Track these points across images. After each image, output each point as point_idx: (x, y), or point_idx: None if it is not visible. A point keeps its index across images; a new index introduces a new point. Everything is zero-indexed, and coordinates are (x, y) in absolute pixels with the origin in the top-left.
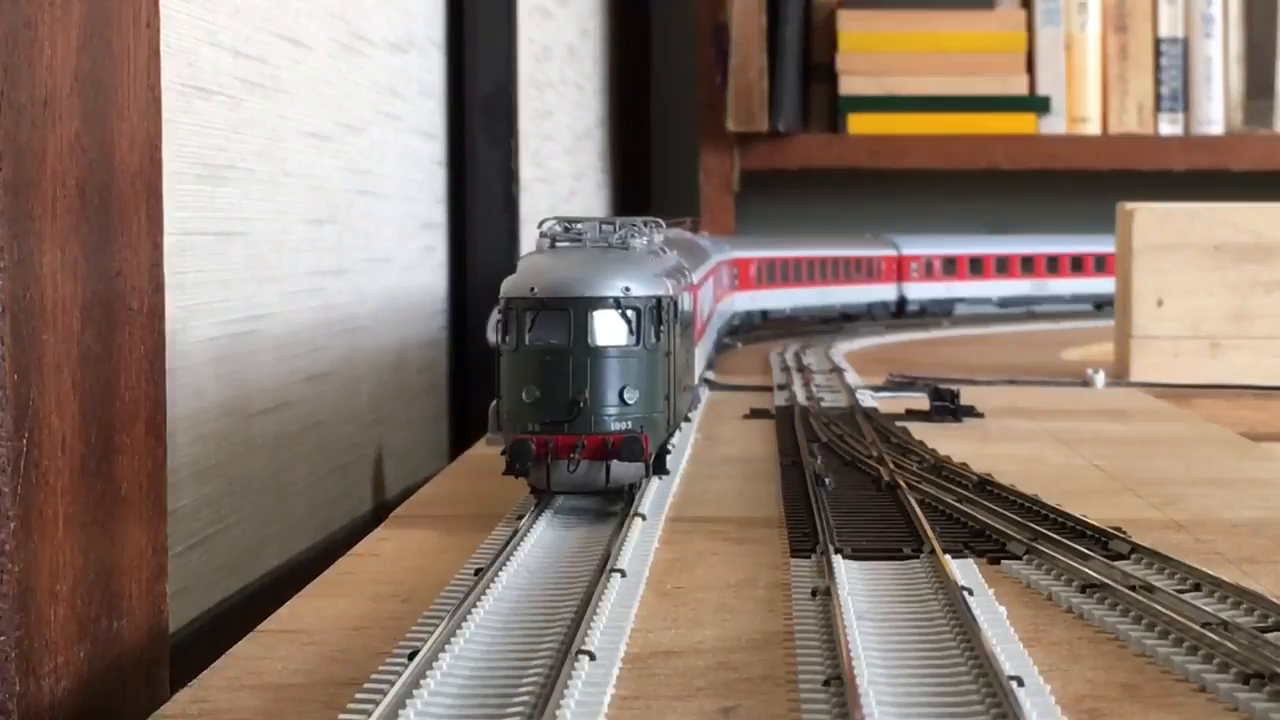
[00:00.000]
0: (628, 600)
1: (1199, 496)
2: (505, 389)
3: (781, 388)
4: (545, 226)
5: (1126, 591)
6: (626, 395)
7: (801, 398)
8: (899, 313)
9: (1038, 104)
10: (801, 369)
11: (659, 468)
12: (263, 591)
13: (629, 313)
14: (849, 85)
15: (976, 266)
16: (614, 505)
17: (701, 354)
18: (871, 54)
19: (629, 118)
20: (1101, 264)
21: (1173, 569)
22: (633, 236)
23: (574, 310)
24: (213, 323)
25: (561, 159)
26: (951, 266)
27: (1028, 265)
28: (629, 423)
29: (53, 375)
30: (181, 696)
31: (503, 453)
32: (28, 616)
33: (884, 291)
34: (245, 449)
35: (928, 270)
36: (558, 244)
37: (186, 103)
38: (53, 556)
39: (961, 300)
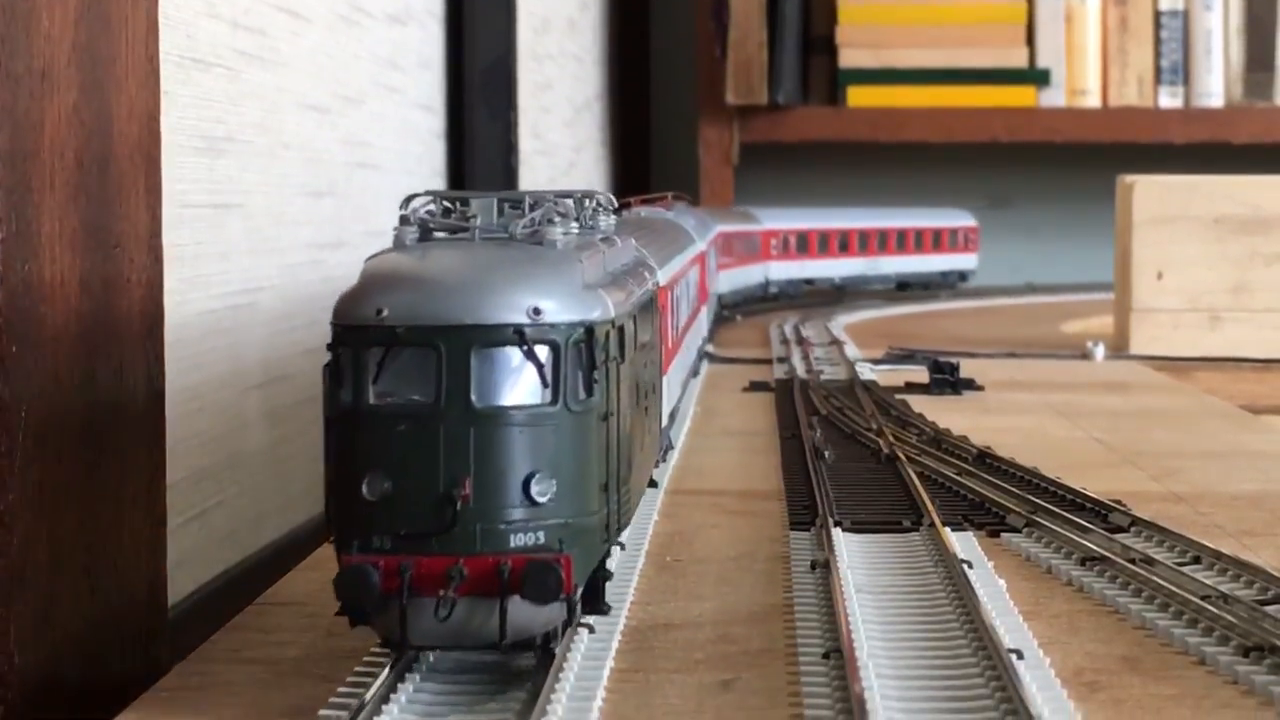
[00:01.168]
0: (627, 573)
1: (1199, 469)
2: (336, 478)
3: (781, 360)
4: (411, 206)
5: (1126, 564)
6: (536, 489)
7: (801, 370)
8: (764, 296)
9: (1037, 77)
10: (801, 341)
11: (593, 604)
12: (262, 564)
13: (541, 350)
14: (848, 58)
15: (824, 244)
16: (524, 656)
17: (676, 381)
18: (871, 26)
19: (628, 91)
20: (920, 241)
21: (1172, 542)
22: (552, 223)
23: (447, 347)
24: (211, 295)
25: (561, 132)
26: (805, 244)
27: (864, 242)
28: (540, 534)
29: (50, 347)
30: (180, 669)
31: (333, 581)
32: (26, 588)
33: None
34: (244, 421)
35: (784, 247)
36: (433, 236)
37: (185, 75)
38: (51, 529)
39: (812, 280)
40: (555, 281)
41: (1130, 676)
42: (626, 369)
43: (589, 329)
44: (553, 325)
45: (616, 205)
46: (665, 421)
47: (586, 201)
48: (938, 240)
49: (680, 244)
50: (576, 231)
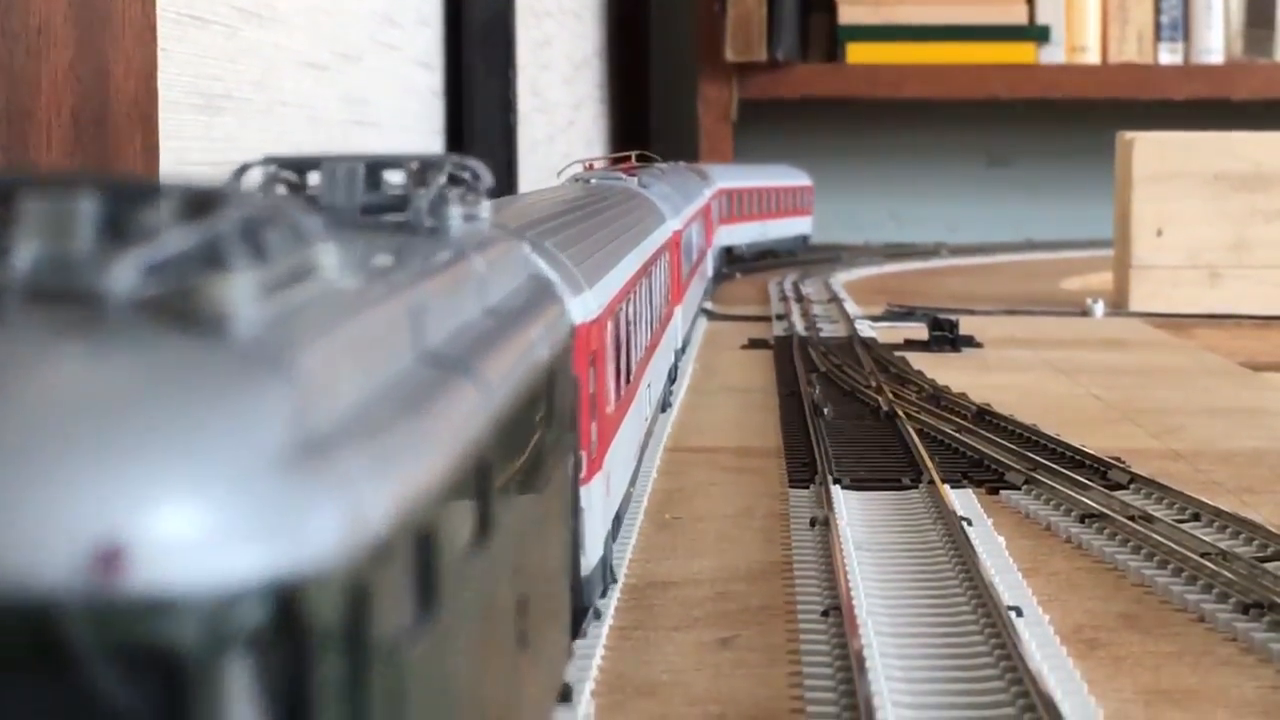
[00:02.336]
0: (626, 531)
1: (1198, 426)
2: None
3: (780, 317)
4: None
5: (1125, 521)
6: None
7: (800, 327)
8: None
9: (1037, 33)
10: (800, 298)
11: None
12: None
13: (123, 690)
14: (848, 14)
15: (740, 206)
16: None
17: (620, 472)
18: None
19: (627, 48)
20: (780, 203)
21: (1171, 499)
22: (221, 264)
23: None
24: None
25: (560, 89)
26: (729, 206)
27: (763, 203)
28: None
29: None
30: None
31: None
32: None
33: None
34: None
35: (720, 210)
36: None
37: (182, 32)
38: None
39: (732, 249)
40: (188, 452)
41: (1129, 634)
42: (439, 646)
43: (287, 603)
44: (161, 605)
45: (490, 181)
46: (595, 586)
47: (428, 177)
48: (793, 201)
49: (640, 230)
50: (324, 271)
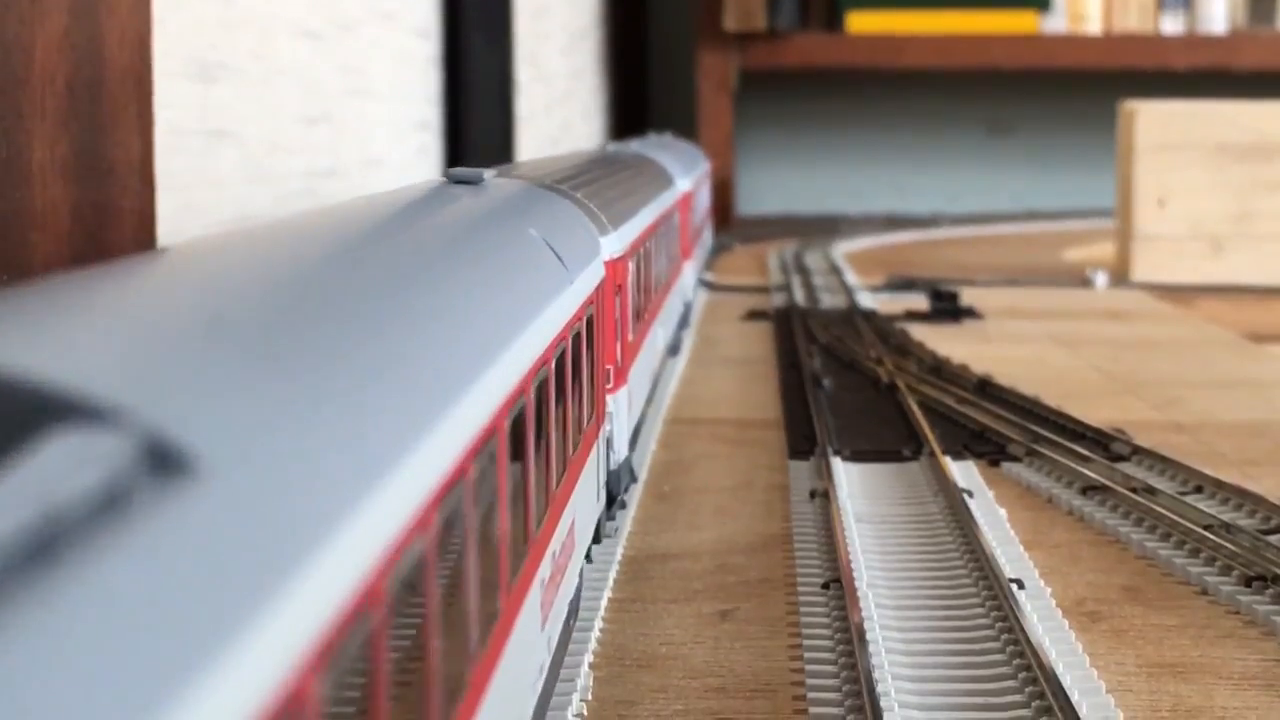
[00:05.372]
0: (624, 503)
1: (1200, 398)
2: None
3: (780, 289)
4: None
5: (1128, 493)
6: None
7: (800, 299)
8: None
9: (1039, 2)
10: (800, 269)
11: None
12: None
13: None
14: None
15: None
16: None
17: None
18: None
19: (626, 17)
20: None
21: (1174, 471)
22: None
23: None
24: (205, 223)
25: (558, 59)
26: None
27: None
28: None
29: (42, 274)
30: None
31: None
32: None
33: None
34: None
35: None
36: None
37: (178, 0)
38: None
39: None
40: None
41: (1131, 606)
42: None
43: None
44: None
45: None
46: None
47: None
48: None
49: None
50: None
